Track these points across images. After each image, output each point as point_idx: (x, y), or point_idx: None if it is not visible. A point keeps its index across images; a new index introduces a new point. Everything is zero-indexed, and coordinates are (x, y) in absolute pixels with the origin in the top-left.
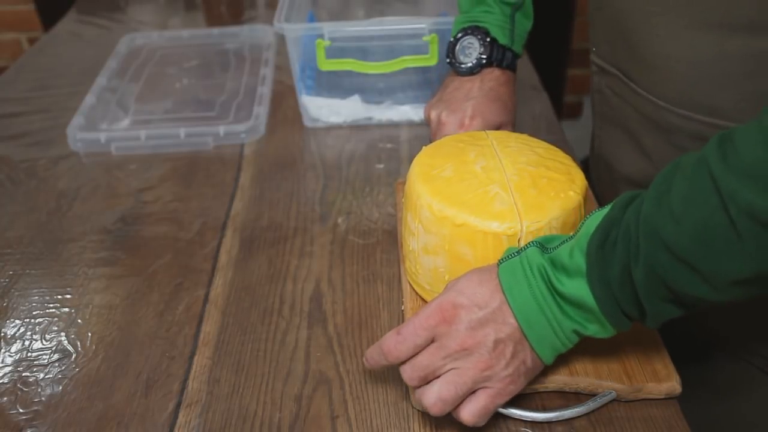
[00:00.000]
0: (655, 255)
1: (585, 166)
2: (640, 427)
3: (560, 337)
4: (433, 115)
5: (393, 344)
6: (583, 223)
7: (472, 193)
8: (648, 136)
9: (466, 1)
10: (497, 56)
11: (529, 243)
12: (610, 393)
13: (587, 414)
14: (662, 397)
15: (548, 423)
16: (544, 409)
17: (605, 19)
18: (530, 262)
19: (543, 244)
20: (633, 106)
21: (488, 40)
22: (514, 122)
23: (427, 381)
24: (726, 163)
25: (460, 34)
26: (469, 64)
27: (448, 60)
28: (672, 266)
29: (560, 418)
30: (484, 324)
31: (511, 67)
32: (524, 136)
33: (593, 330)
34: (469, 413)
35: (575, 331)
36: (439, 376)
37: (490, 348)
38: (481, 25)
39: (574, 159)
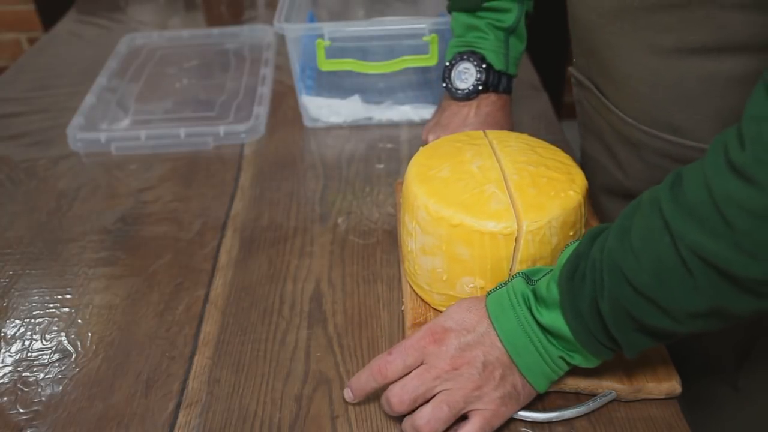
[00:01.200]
0: (619, 289)
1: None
2: (640, 427)
3: (549, 364)
4: (431, 139)
5: (383, 364)
6: (561, 256)
7: (468, 193)
8: (621, 150)
9: (459, 26)
10: (493, 81)
11: (515, 275)
12: (610, 393)
13: (587, 414)
14: (662, 397)
15: (548, 423)
16: (544, 409)
17: (577, 34)
18: (515, 292)
19: (528, 276)
20: (606, 120)
21: (484, 66)
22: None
23: (416, 405)
24: (676, 203)
25: (455, 59)
26: (466, 90)
27: (444, 84)
28: (635, 300)
29: (560, 418)
30: (472, 346)
31: (507, 91)
32: (524, 136)
33: (578, 360)
34: None
35: (562, 358)
36: (428, 400)
37: (480, 369)
38: (476, 50)
39: (574, 159)
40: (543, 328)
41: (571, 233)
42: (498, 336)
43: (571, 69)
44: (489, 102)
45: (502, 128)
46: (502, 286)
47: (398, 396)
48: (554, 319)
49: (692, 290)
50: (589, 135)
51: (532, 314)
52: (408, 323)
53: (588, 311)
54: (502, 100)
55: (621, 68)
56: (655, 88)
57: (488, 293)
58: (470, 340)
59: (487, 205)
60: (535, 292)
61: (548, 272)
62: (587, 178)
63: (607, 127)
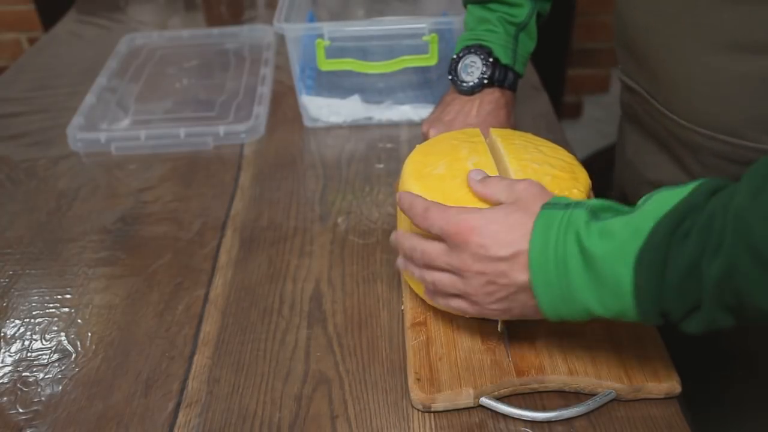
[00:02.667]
0: (740, 255)
1: (588, 165)
2: (640, 427)
3: (571, 309)
4: (431, 133)
5: (419, 214)
6: (646, 200)
7: (464, 190)
8: (678, 150)
9: (472, 19)
10: (499, 76)
11: (578, 203)
12: (610, 393)
13: (587, 414)
14: (662, 396)
15: (548, 423)
16: (544, 409)
17: (627, 40)
18: (570, 222)
19: (595, 211)
20: (660, 123)
21: (491, 59)
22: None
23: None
24: None
25: (463, 52)
26: (471, 83)
27: (450, 77)
28: (754, 272)
29: (560, 418)
30: (492, 267)
31: (512, 88)
32: (529, 135)
33: (604, 312)
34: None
35: (588, 311)
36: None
37: (485, 289)
38: (484, 44)
39: (577, 158)
40: (591, 266)
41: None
42: (529, 264)
43: (618, 74)
44: (493, 98)
45: (502, 126)
46: (562, 207)
47: (409, 249)
48: (613, 263)
49: None
50: (639, 136)
51: (583, 260)
52: (408, 323)
53: (679, 273)
54: (506, 97)
55: (679, 71)
56: (712, 88)
57: (544, 207)
58: (494, 267)
59: (482, 202)
60: (602, 231)
61: (621, 213)
62: (633, 174)
63: (662, 130)
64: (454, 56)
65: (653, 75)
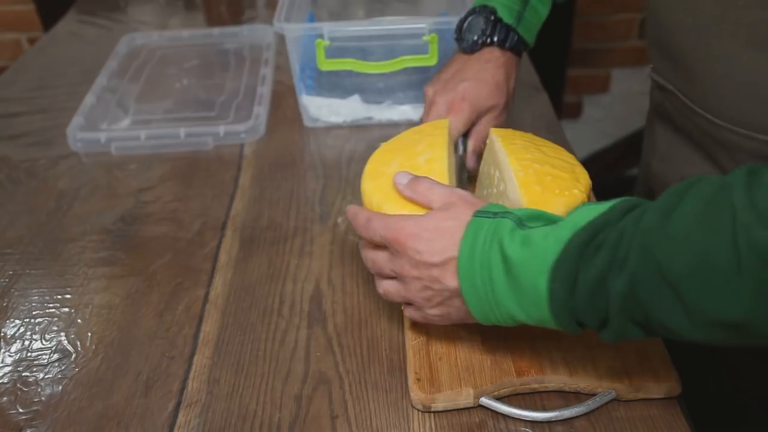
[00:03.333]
0: (644, 272)
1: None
2: (640, 427)
3: (497, 315)
4: (429, 92)
5: (362, 224)
6: (572, 212)
7: None
8: (713, 149)
9: None
10: (500, 35)
11: (508, 213)
12: (610, 392)
13: (587, 414)
14: (662, 396)
15: (548, 423)
16: (544, 409)
17: (662, 39)
18: (495, 232)
19: (522, 221)
20: (693, 123)
21: (492, 18)
22: (508, 105)
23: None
24: (751, 196)
25: (469, 14)
26: (470, 41)
27: (455, 37)
28: (658, 289)
29: (560, 418)
30: (427, 273)
31: (515, 49)
32: (529, 135)
33: (526, 318)
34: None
35: (512, 317)
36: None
37: (423, 294)
38: (489, 4)
39: (577, 158)
40: (510, 277)
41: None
42: (458, 271)
43: (650, 72)
44: (492, 57)
45: (499, 85)
46: (491, 216)
47: (364, 252)
48: (534, 272)
49: (732, 293)
50: (676, 133)
51: (505, 267)
52: (408, 323)
53: (588, 284)
54: (506, 57)
55: (716, 69)
56: (753, 88)
57: (475, 214)
58: (428, 273)
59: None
60: (525, 240)
61: (549, 223)
62: (662, 171)
63: (695, 129)
64: (462, 17)
65: (688, 74)
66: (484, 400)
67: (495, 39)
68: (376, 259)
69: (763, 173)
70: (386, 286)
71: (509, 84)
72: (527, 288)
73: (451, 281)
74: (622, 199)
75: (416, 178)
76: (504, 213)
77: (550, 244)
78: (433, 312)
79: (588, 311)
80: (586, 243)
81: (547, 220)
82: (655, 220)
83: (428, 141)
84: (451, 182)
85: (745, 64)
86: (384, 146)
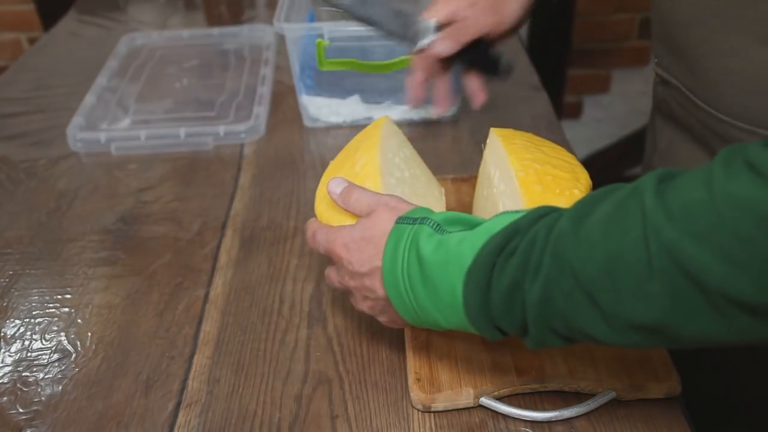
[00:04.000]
0: (558, 278)
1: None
2: (640, 427)
3: (426, 320)
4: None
5: (309, 237)
6: (490, 219)
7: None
8: (716, 145)
9: None
10: None
11: (428, 217)
12: (610, 393)
13: (587, 414)
14: (662, 396)
15: (548, 423)
16: (544, 409)
17: (667, 33)
18: (414, 239)
19: (441, 226)
20: (696, 118)
21: None
22: (507, 30)
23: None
24: (661, 199)
25: None
26: None
27: None
28: (573, 295)
29: (560, 418)
30: (360, 282)
31: None
32: (529, 135)
33: (448, 324)
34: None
35: (437, 323)
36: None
37: (366, 303)
38: None
39: (577, 158)
40: (428, 282)
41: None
42: (383, 281)
43: (654, 67)
44: None
45: (495, 5)
46: (410, 222)
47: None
48: (448, 279)
49: (645, 295)
50: (675, 130)
51: (421, 273)
52: None
53: (502, 292)
54: None
55: (721, 64)
56: (759, 83)
57: (397, 221)
58: (359, 283)
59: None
60: (440, 243)
61: (468, 228)
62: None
63: (697, 124)
64: None
65: (693, 68)
66: (484, 400)
67: None
68: (329, 272)
69: (673, 175)
70: (347, 294)
71: (512, 7)
72: (444, 294)
73: (380, 290)
74: (538, 207)
75: (348, 188)
76: (423, 218)
77: (464, 250)
78: (382, 319)
79: (505, 318)
80: (499, 249)
81: (467, 224)
82: (568, 226)
83: (364, 146)
84: (387, 181)
85: (752, 58)
86: (332, 162)
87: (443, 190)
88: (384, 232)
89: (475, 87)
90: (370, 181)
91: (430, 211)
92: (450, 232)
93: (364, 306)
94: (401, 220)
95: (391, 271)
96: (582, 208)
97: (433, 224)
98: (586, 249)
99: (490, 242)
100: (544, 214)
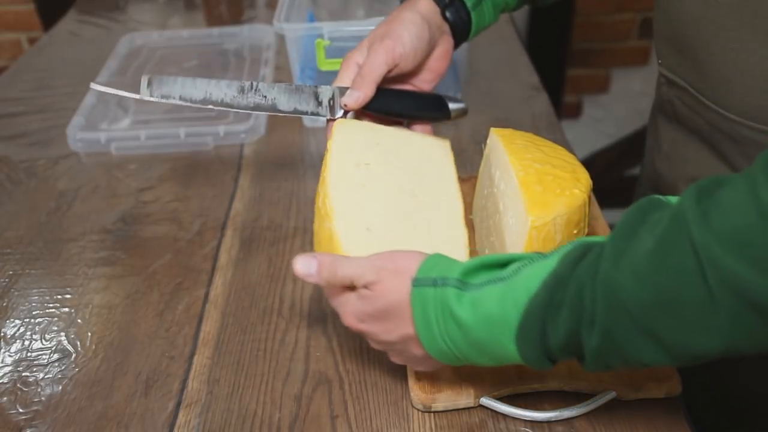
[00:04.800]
0: (614, 322)
1: (588, 165)
2: (640, 427)
3: (476, 364)
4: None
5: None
6: (519, 268)
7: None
8: (724, 146)
9: None
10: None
11: (446, 276)
12: (610, 392)
13: (587, 414)
14: (662, 396)
15: (548, 423)
16: (544, 409)
17: (673, 32)
18: (444, 305)
19: (464, 282)
20: (704, 118)
21: None
22: (418, 56)
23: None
24: (708, 225)
25: None
26: None
27: None
28: (632, 335)
29: (560, 418)
30: (391, 346)
31: (448, 9)
32: (529, 135)
33: (503, 363)
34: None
35: (486, 366)
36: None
37: (402, 357)
38: None
39: (577, 158)
40: (472, 340)
41: (575, 231)
42: (424, 348)
43: (659, 68)
44: (416, 3)
45: (399, 37)
46: (430, 284)
47: (331, 297)
48: (498, 340)
49: (710, 328)
50: (679, 131)
51: (468, 340)
52: None
53: (559, 341)
54: (429, 8)
55: (731, 63)
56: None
57: (414, 285)
58: (396, 348)
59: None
60: (474, 303)
61: (490, 273)
62: (667, 170)
63: (705, 124)
64: None
65: (701, 68)
66: (485, 400)
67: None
68: (340, 303)
69: (709, 190)
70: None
71: (414, 36)
72: (494, 349)
73: (417, 351)
74: (567, 249)
75: (325, 267)
76: (443, 279)
77: (507, 311)
78: (420, 368)
79: (564, 356)
80: (546, 305)
81: (489, 268)
82: (612, 268)
83: (321, 177)
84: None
85: (762, 57)
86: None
87: (448, 143)
88: (399, 301)
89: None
90: (329, 221)
91: (444, 262)
92: (476, 284)
93: (398, 360)
94: (418, 284)
95: (429, 338)
96: (618, 244)
97: (456, 283)
98: (639, 289)
99: (535, 300)
100: (580, 256)
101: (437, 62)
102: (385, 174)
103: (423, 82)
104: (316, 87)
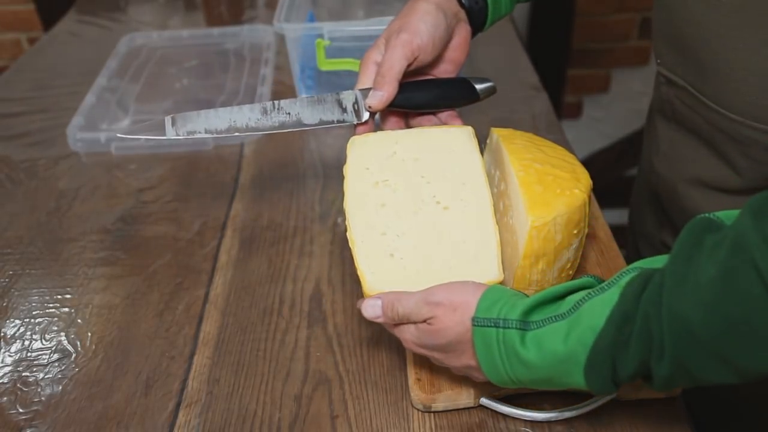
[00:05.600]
0: (685, 353)
1: (588, 165)
2: (640, 427)
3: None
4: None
5: (388, 311)
6: (578, 304)
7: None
8: (725, 145)
9: None
10: None
11: (508, 318)
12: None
13: (587, 414)
14: (662, 396)
15: (548, 423)
16: (544, 409)
17: (674, 33)
18: (508, 346)
19: (525, 321)
20: (704, 118)
21: None
22: (436, 46)
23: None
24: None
25: None
26: None
27: None
28: (705, 361)
29: (560, 418)
30: (455, 369)
31: (472, 12)
32: (529, 135)
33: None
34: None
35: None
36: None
37: (463, 372)
38: None
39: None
40: (542, 380)
41: (575, 231)
42: (485, 374)
43: (658, 68)
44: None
45: (415, 30)
46: (491, 325)
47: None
48: (566, 376)
49: None
50: (678, 131)
51: (535, 380)
52: None
53: (629, 373)
54: (454, 10)
55: (733, 63)
56: None
57: (474, 324)
58: (461, 371)
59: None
60: (539, 341)
61: (554, 318)
62: (665, 172)
63: (705, 124)
64: None
65: (702, 67)
66: (485, 400)
67: None
68: (406, 333)
69: (766, 209)
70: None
71: (430, 31)
72: (561, 382)
73: (480, 377)
74: (626, 278)
75: (385, 305)
76: (505, 321)
77: (573, 348)
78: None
79: (632, 381)
80: (614, 341)
81: (547, 303)
82: (676, 299)
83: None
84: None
85: (766, 56)
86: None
87: (470, 129)
88: (459, 336)
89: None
90: (353, 251)
91: (503, 299)
92: (538, 321)
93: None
94: (478, 323)
95: (493, 371)
96: (677, 270)
97: (518, 324)
98: (707, 319)
99: (602, 337)
100: (641, 287)
101: (456, 52)
102: (406, 187)
103: (443, 74)
104: (338, 94)
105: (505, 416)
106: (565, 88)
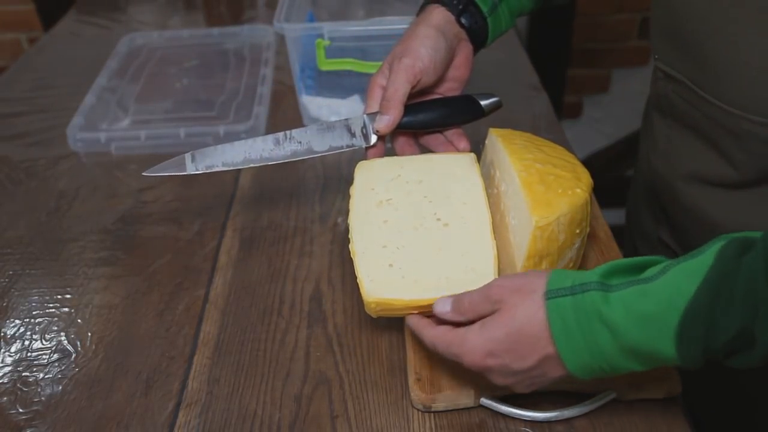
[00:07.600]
0: None
1: (588, 165)
2: (640, 427)
3: (614, 373)
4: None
5: (429, 347)
6: (665, 269)
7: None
8: (722, 140)
9: None
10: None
11: (585, 282)
12: (610, 393)
13: (587, 414)
14: (662, 396)
15: (548, 423)
16: (544, 409)
17: (673, 27)
18: (588, 311)
19: (605, 283)
20: (702, 112)
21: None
22: (438, 66)
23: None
24: None
25: None
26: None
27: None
28: None
29: (560, 418)
30: (524, 375)
31: (456, 12)
32: (529, 135)
33: (649, 369)
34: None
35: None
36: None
37: (523, 384)
38: None
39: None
40: (626, 348)
41: (578, 231)
42: (561, 360)
43: (656, 63)
44: (426, 14)
45: (416, 54)
46: (566, 293)
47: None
48: (653, 341)
49: None
50: (676, 127)
51: (620, 347)
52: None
53: (726, 339)
54: (441, 17)
55: (733, 57)
56: None
57: (548, 297)
58: (527, 376)
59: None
60: (626, 304)
61: (637, 281)
62: (662, 168)
63: (703, 119)
64: None
65: (701, 61)
66: (485, 400)
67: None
68: (497, 371)
69: None
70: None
71: (433, 55)
72: (648, 351)
73: (555, 372)
74: (719, 243)
75: (455, 302)
76: (583, 285)
77: (666, 310)
78: (533, 389)
79: (722, 353)
80: (712, 303)
81: (621, 270)
82: None
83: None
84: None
85: (765, 50)
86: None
87: (473, 155)
88: (532, 318)
89: (457, 139)
90: (355, 265)
91: (572, 273)
92: (621, 284)
93: (525, 389)
94: (552, 295)
95: (572, 353)
96: None
97: (599, 286)
98: None
99: (697, 297)
100: (740, 250)
101: (459, 70)
102: (408, 205)
103: (448, 91)
104: (346, 120)
105: (505, 416)
106: (565, 88)
